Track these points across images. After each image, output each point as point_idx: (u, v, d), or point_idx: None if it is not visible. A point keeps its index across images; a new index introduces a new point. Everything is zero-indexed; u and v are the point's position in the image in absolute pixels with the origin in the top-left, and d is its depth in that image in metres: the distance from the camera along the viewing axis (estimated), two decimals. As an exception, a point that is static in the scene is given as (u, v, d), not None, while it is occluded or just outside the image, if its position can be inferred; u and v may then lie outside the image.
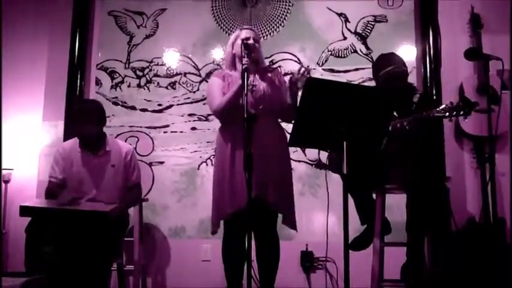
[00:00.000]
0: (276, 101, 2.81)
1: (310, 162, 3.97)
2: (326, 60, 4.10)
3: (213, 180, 2.88)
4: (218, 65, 4.12)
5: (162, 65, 4.20)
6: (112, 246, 2.93)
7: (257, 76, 2.84)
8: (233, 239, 2.79)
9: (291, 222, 2.83)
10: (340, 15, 4.14)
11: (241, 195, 2.60)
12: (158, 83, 4.18)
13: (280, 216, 2.84)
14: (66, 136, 3.81)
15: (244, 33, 2.86)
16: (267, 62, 3.64)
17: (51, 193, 3.02)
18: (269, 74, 2.90)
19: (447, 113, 2.56)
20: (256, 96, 2.75)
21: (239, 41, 2.81)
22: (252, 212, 2.41)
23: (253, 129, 2.38)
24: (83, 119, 2.99)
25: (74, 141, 3.12)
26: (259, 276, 2.85)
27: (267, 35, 4.15)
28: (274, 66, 3.97)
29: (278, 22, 4.17)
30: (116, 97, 4.18)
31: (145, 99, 4.17)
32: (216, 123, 2.99)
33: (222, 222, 2.82)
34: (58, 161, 3.07)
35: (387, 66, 2.92)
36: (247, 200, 2.36)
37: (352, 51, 4.10)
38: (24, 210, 2.74)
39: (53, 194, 2.99)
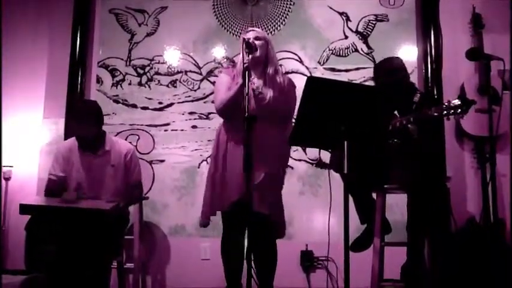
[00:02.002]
0: (281, 108, 2.79)
1: (310, 161, 3.96)
2: (327, 59, 4.09)
3: (207, 174, 2.86)
4: (219, 63, 4.12)
5: (163, 63, 4.20)
6: (111, 244, 2.93)
7: (265, 80, 2.80)
8: (232, 235, 2.78)
9: (277, 227, 2.78)
10: (341, 14, 4.13)
11: (234, 190, 2.62)
12: (159, 81, 4.18)
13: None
14: (67, 134, 3.83)
15: (248, 34, 2.85)
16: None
17: (50, 191, 3.02)
18: (278, 80, 2.84)
19: (445, 112, 2.55)
20: (262, 103, 2.73)
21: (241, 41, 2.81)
22: (248, 207, 2.38)
23: (254, 129, 2.37)
24: (80, 120, 2.99)
25: (73, 141, 3.11)
26: (257, 276, 2.84)
27: (267, 34, 4.13)
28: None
29: (279, 21, 4.16)
30: (117, 95, 4.18)
31: (146, 97, 4.16)
32: (216, 122, 2.98)
33: (220, 220, 2.82)
34: (58, 159, 3.07)
35: (385, 75, 2.94)
36: (240, 195, 2.37)
37: (353, 50, 4.09)
38: (24, 209, 2.74)
39: (53, 192, 2.99)
